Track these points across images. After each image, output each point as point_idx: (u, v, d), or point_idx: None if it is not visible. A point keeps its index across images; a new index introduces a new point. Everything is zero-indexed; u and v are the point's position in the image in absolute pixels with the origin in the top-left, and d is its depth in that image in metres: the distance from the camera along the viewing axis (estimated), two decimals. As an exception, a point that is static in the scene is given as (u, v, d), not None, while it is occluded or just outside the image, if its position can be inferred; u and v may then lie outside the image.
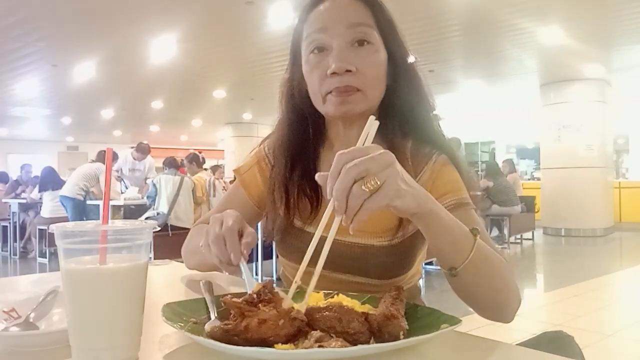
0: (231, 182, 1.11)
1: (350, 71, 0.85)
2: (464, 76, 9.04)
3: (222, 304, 0.59)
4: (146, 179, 6.94)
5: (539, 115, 9.64)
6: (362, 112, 0.88)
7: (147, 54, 7.12)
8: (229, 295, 0.61)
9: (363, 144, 0.66)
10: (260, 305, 0.59)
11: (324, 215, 0.66)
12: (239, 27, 6.04)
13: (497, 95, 10.86)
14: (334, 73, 0.85)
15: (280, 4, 5.21)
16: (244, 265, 0.74)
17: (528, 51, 7.31)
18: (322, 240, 0.65)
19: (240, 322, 0.57)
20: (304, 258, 0.66)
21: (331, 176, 0.61)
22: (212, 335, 0.57)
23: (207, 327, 0.63)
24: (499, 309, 0.79)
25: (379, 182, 0.60)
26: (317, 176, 0.65)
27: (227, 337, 0.56)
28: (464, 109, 12.01)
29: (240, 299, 0.60)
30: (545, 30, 6.25)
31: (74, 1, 5.31)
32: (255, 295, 0.60)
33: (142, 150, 7.02)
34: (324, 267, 0.64)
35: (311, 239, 0.66)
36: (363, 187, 0.59)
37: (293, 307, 0.60)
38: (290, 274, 1.00)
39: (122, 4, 5.36)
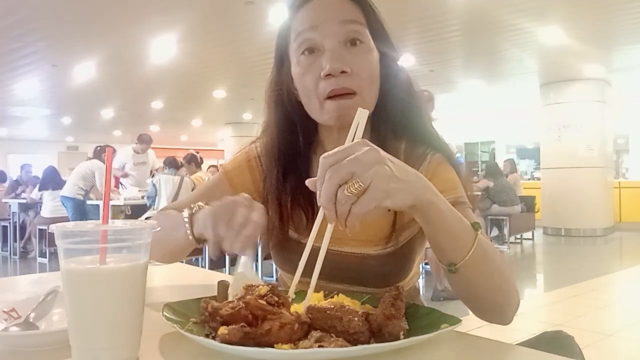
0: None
1: (345, 72, 0.81)
2: (464, 76, 9.04)
3: (243, 305, 0.57)
4: (151, 172, 6.89)
5: (539, 115, 9.63)
6: None
7: (147, 54, 7.12)
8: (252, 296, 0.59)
9: (353, 138, 0.64)
10: (282, 307, 0.58)
11: (315, 224, 0.64)
12: (239, 27, 6.04)
13: (497, 95, 10.86)
14: (328, 75, 0.81)
15: (280, 4, 5.21)
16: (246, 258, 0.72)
17: (528, 51, 7.31)
18: (316, 251, 0.64)
19: (261, 324, 0.55)
20: (297, 270, 0.65)
21: (319, 182, 0.59)
22: (231, 338, 0.55)
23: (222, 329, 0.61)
24: (500, 309, 0.77)
25: (363, 185, 0.57)
26: (307, 182, 0.63)
27: (244, 340, 0.55)
28: (464, 109, 12.01)
29: (261, 301, 0.58)
30: (545, 30, 6.25)
31: (74, 1, 5.31)
32: (276, 297, 0.59)
33: (145, 140, 6.95)
34: (321, 278, 0.64)
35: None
36: (346, 192, 0.57)
37: (297, 312, 0.60)
38: (288, 283, 0.99)
39: (122, 4, 5.35)
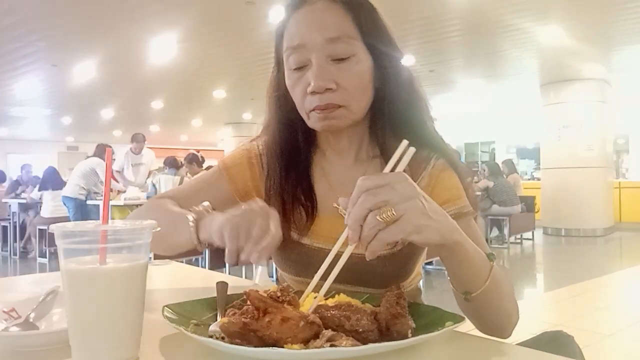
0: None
1: (330, 89, 0.82)
2: (464, 76, 9.03)
3: (244, 295, 0.57)
4: (150, 172, 6.87)
5: (539, 115, 9.63)
6: (347, 125, 0.87)
7: (147, 54, 7.12)
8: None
9: (393, 169, 0.65)
10: (285, 303, 0.58)
11: (340, 238, 0.65)
12: (239, 27, 6.04)
13: (497, 95, 10.86)
14: (313, 92, 0.82)
15: (280, 4, 5.21)
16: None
17: (528, 51, 7.31)
18: (325, 254, 0.65)
19: (262, 317, 0.55)
20: (313, 279, 0.66)
21: (351, 202, 0.60)
22: (229, 327, 0.55)
23: (223, 319, 0.61)
24: (504, 327, 0.81)
25: (396, 214, 0.58)
26: (339, 200, 0.64)
27: (243, 331, 0.54)
28: (464, 109, 12.01)
29: (262, 293, 0.59)
30: (545, 30, 6.25)
31: (74, 1, 5.31)
32: (279, 293, 0.59)
33: (138, 139, 6.88)
34: (322, 278, 0.64)
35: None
36: (378, 218, 0.58)
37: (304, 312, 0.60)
38: (288, 282, 0.98)
39: (122, 3, 5.35)
